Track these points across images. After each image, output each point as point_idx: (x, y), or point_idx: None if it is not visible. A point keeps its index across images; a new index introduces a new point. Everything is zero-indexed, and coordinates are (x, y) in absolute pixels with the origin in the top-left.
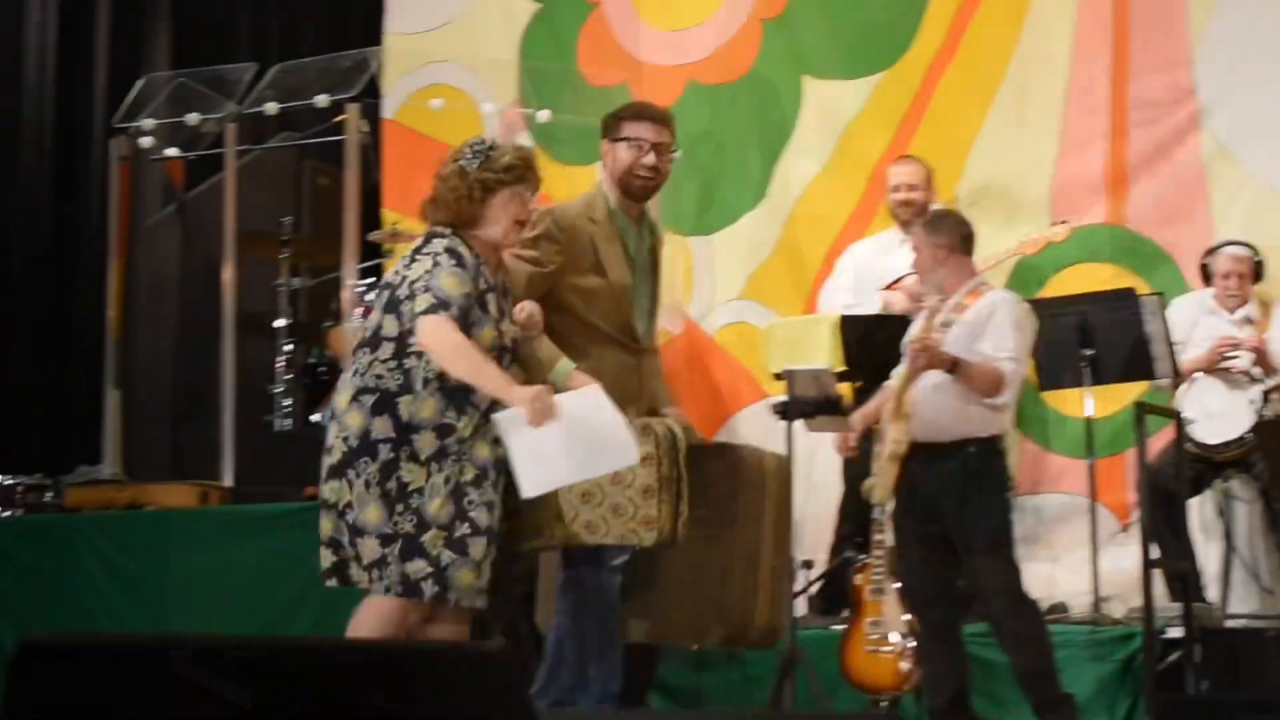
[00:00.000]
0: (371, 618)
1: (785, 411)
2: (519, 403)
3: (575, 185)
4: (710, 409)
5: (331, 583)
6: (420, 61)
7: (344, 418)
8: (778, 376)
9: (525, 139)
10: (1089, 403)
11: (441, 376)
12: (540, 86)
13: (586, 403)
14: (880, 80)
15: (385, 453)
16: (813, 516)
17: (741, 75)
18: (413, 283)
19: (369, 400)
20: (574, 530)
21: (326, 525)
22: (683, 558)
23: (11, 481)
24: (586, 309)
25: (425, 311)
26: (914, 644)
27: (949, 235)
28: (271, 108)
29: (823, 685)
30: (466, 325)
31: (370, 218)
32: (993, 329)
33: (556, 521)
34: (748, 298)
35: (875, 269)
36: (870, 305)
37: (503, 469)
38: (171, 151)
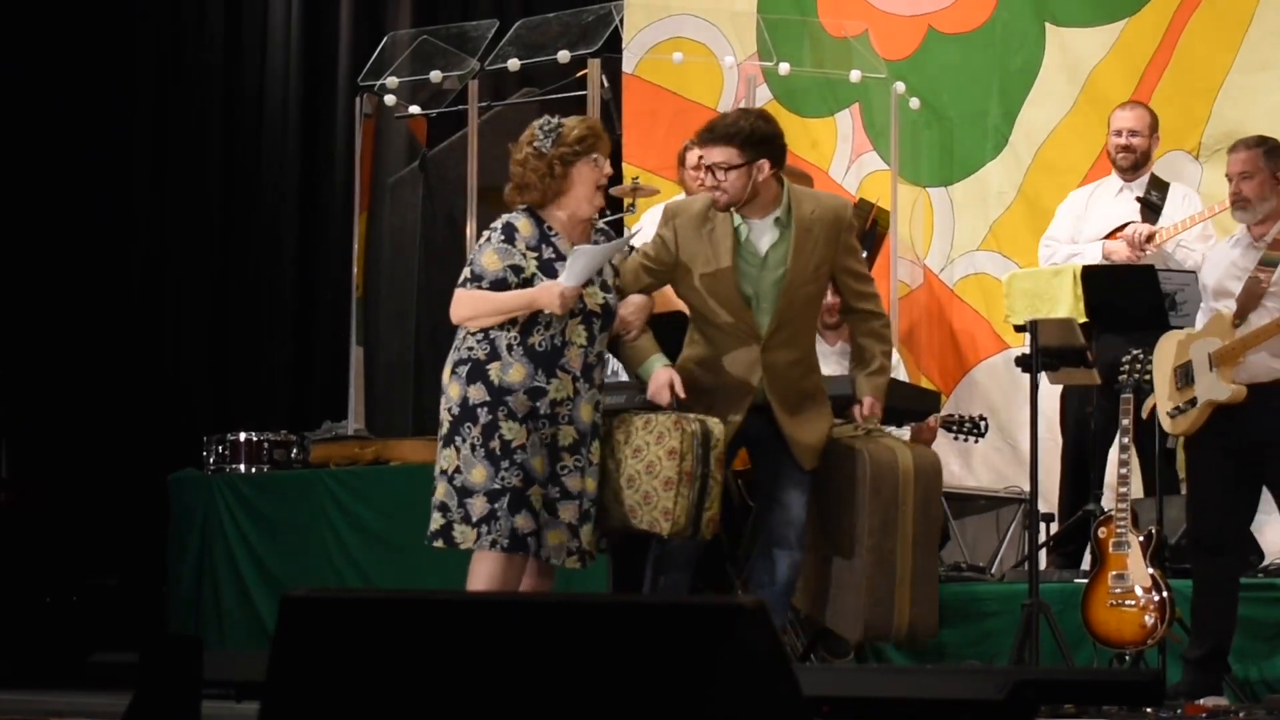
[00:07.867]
0: (481, 573)
1: (1028, 363)
2: (546, 302)
3: (816, 139)
4: (950, 361)
5: (438, 544)
6: (661, 15)
7: (447, 390)
8: (1018, 328)
9: (763, 93)
10: None
11: (525, 343)
12: (779, 39)
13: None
14: (1125, 26)
15: (484, 415)
16: (1055, 469)
17: (982, 23)
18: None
19: (464, 370)
20: (624, 514)
21: (439, 490)
22: (820, 564)
23: (259, 437)
24: (701, 303)
25: (460, 285)
26: (1159, 597)
27: None
28: (513, 64)
29: (1066, 639)
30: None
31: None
32: None
33: (615, 504)
34: (988, 248)
35: (1094, 217)
36: (1090, 255)
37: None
38: (414, 109)
